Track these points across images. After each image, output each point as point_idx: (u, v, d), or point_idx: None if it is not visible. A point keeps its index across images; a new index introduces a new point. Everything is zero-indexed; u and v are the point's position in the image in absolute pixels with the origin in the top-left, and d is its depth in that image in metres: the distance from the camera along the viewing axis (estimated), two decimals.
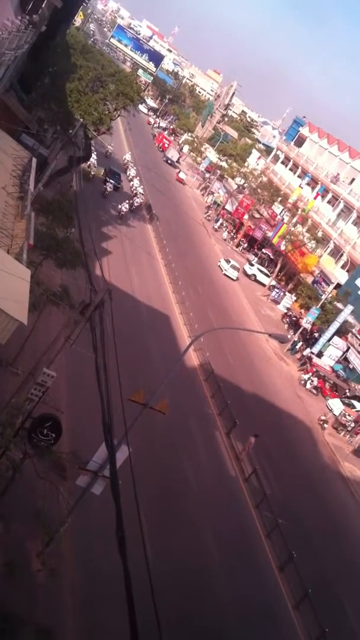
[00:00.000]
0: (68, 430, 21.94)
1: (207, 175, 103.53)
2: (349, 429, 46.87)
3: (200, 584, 22.87)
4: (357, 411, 48.58)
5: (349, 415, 47.72)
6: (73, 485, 18.57)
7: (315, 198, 76.50)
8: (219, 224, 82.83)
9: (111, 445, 15.76)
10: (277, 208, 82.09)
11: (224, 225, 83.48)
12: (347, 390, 52.98)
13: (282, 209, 79.70)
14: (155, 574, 13.56)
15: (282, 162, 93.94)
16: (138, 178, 72.85)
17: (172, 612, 18.67)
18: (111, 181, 61.81)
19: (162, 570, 19.67)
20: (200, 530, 25.62)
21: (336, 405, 49.12)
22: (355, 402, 50.32)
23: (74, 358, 26.53)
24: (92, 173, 61.02)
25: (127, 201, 59.70)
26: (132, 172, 74.26)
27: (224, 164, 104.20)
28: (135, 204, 62.84)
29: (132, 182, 69.81)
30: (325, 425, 45.75)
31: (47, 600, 17.50)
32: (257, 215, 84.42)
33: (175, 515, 25.29)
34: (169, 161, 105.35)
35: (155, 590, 12.25)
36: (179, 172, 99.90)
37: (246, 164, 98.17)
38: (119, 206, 57.09)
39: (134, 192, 66.85)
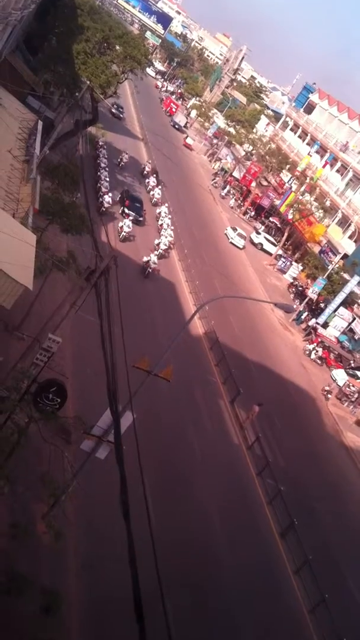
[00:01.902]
0: (73, 395, 22.04)
1: (215, 141, 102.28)
2: (353, 399, 47.00)
3: (202, 547, 23.20)
4: None
5: (352, 386, 47.81)
6: (78, 450, 18.71)
7: (323, 167, 75.54)
8: (226, 191, 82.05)
9: (116, 411, 15.78)
10: (285, 176, 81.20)
11: (231, 192, 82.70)
12: (351, 361, 52.99)
13: (290, 177, 78.82)
14: (158, 537, 13.71)
15: (291, 129, 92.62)
16: (160, 187, 60.02)
17: (174, 575, 18.95)
18: (131, 212, 47.85)
19: (164, 534, 19.92)
20: (203, 496, 25.88)
21: (340, 375, 49.19)
22: (359, 373, 50.38)
23: (79, 324, 26.54)
24: (104, 207, 45.45)
25: (153, 252, 44.15)
26: (151, 179, 61.37)
27: (232, 129, 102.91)
28: (162, 248, 47.17)
29: (152, 193, 58.54)
30: (329, 395, 45.88)
31: (51, 561, 17.76)
32: (264, 183, 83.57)
33: (179, 481, 25.52)
34: (177, 126, 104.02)
35: (157, 553, 12.40)
36: (187, 137, 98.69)
37: (254, 130, 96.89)
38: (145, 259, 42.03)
39: (160, 225, 51.46)
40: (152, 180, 60.91)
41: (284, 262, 68.00)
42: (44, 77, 44.40)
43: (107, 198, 46.11)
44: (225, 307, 45.36)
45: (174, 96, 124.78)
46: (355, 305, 56.08)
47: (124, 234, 43.94)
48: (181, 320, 38.47)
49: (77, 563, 18.57)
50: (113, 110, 72.03)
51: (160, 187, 60.41)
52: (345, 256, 62.11)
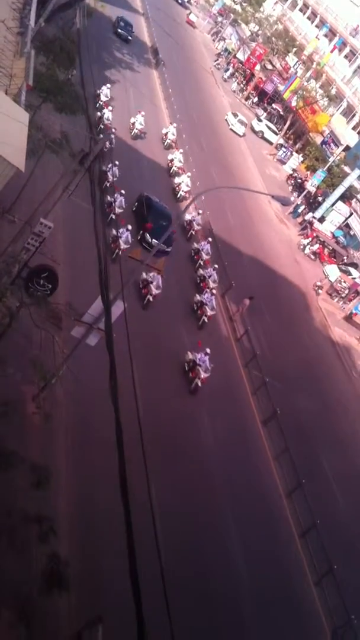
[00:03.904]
0: (64, 282, 22.06)
1: (220, 19, 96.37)
2: (343, 295, 47.30)
3: (186, 427, 24.24)
4: (353, 278, 48.78)
5: (344, 282, 47.97)
6: (68, 336, 18.94)
7: (331, 51, 71.71)
8: (228, 73, 78.34)
9: (107, 299, 15.83)
10: (291, 60, 77.24)
11: (234, 75, 79.01)
12: (345, 257, 52.88)
13: (296, 62, 75.00)
14: (145, 421, 14.18)
15: (300, 10, 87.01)
16: (189, 176, 41.63)
17: (158, 464, 19.83)
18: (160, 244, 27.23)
19: (150, 416, 20.65)
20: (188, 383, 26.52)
21: (333, 271, 49.23)
22: (352, 269, 50.41)
23: (72, 210, 26.09)
24: (114, 214, 31.60)
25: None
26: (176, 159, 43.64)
27: (238, 7, 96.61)
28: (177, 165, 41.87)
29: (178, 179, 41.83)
30: (320, 291, 46.12)
31: (41, 440, 18.42)
32: (269, 67, 79.64)
33: (165, 367, 26.06)
34: (180, 1, 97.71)
35: (144, 436, 12.85)
36: (190, 13, 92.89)
37: (262, 9, 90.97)
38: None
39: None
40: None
41: (284, 152, 66.13)
42: None
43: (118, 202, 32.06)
44: (221, 197, 44.48)
45: None
46: (354, 200, 55.16)
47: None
48: (176, 209, 37.89)
49: (66, 443, 19.27)
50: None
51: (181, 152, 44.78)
52: (347, 148, 60.35)
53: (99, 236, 16.87)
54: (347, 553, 24.96)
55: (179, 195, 40.07)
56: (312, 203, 57.25)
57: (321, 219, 54.39)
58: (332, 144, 61.96)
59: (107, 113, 39.62)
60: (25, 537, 12.39)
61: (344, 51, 71.00)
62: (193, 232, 36.68)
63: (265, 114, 72.55)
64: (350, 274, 49.53)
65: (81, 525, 17.54)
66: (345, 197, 55.26)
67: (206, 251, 34.91)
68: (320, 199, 56.97)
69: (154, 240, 31.15)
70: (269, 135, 68.74)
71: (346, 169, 56.51)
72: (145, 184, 37.15)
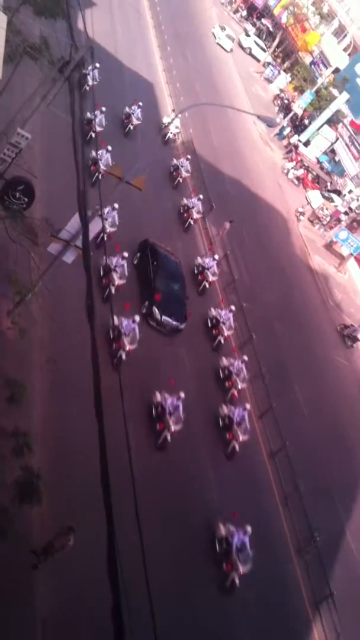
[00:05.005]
0: (41, 197, 21.45)
1: None
2: (324, 222, 47.02)
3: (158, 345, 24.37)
4: (335, 206, 48.38)
5: (326, 209, 47.58)
6: (45, 252, 18.54)
7: None
8: None
9: (84, 216, 15.41)
10: None
11: None
12: (328, 183, 52.26)
13: None
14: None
15: None
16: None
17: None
18: (168, 319, 24.96)
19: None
20: None
21: (315, 197, 48.69)
22: (334, 196, 49.91)
23: (50, 120, 25.11)
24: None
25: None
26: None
27: None
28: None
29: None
30: (302, 217, 45.74)
31: (16, 356, 18.36)
32: None
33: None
34: None
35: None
36: None
37: None
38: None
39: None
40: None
41: (272, 70, 64.01)
42: None
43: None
44: (205, 115, 43.13)
45: None
46: (340, 124, 53.95)
47: None
48: (158, 124, 36.77)
49: (41, 358, 19.23)
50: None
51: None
52: (336, 70, 58.62)
53: (77, 149, 16.22)
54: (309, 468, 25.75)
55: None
56: (298, 126, 55.99)
57: (306, 143, 53.37)
58: (321, 65, 60.13)
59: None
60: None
61: None
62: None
63: (254, 30, 69.70)
64: (332, 201, 49.09)
65: (55, 439, 17.76)
66: (332, 122, 54.11)
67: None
68: (306, 121, 55.72)
69: (164, 317, 24.68)
70: (256, 52, 66.32)
71: (334, 92, 55.01)
72: (128, 95, 35.74)
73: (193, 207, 31.73)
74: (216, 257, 29.40)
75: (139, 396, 21.17)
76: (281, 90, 61.63)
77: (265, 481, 23.57)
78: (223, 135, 45.38)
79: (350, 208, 47.47)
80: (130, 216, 27.19)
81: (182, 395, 21.01)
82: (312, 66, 60.85)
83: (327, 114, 52.80)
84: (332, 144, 53.65)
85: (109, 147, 28.77)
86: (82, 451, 15.77)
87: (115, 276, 23.46)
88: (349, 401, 33.31)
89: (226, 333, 26.68)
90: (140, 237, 27.48)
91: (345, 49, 61.51)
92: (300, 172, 50.71)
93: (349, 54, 60.50)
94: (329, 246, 45.33)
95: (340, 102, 52.69)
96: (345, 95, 52.57)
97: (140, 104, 34.03)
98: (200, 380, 24.86)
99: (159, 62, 45.37)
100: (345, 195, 49.38)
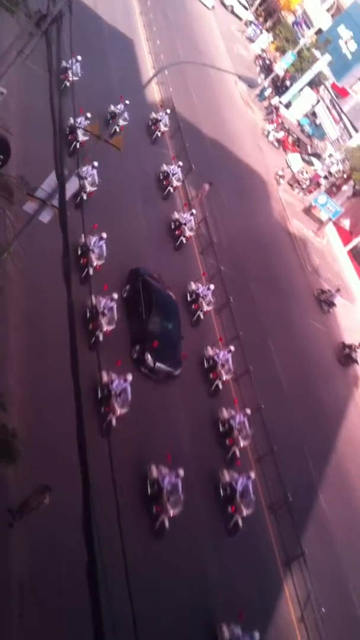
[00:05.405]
0: (17, 154, 21.07)
1: None
2: (304, 187, 46.82)
3: None
4: (314, 170, 48.16)
5: (306, 172, 47.34)
6: (20, 211, 18.21)
7: None
8: None
9: (61, 175, 15.11)
10: None
11: None
12: (308, 147, 51.90)
13: None
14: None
15: None
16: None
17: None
18: (162, 366, 22.45)
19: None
20: (147, 259, 26.27)
21: (295, 161, 48.36)
22: (314, 160, 49.64)
23: (27, 76, 24.49)
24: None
25: None
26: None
27: None
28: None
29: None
30: (282, 180, 45.45)
31: None
32: None
33: (123, 245, 25.52)
34: None
35: None
36: None
37: None
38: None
39: None
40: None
41: (254, 30, 62.82)
42: None
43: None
44: (185, 73, 42.39)
45: None
46: (322, 87, 53.36)
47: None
48: (137, 83, 36.06)
49: (17, 319, 19.09)
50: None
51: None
52: (319, 31, 57.66)
53: (54, 106, 15.83)
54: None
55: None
56: (280, 87, 55.27)
57: (287, 105, 52.78)
58: (303, 26, 59.20)
59: None
60: None
61: None
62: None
63: None
64: (312, 165, 48.84)
65: (31, 399, 17.74)
66: (314, 84, 53.48)
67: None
68: (288, 83, 55.00)
69: (157, 363, 22.07)
70: (238, 10, 64.99)
71: (316, 53, 54.23)
72: (108, 51, 34.94)
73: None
74: (211, 286, 26.57)
75: (130, 466, 18.45)
76: (263, 50, 60.65)
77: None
78: (203, 95, 44.68)
79: (330, 172, 47.33)
80: (108, 175, 26.79)
81: (182, 473, 18.38)
82: (295, 26, 59.85)
83: (308, 75, 52.13)
84: (313, 106, 53.13)
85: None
86: (59, 413, 15.79)
87: (103, 321, 20.75)
88: (322, 367, 33.55)
89: (224, 377, 24.01)
90: (119, 201, 27.10)
91: (328, 10, 60.45)
92: (281, 134, 50.26)
93: (332, 15, 59.48)
94: (308, 210, 45.25)
95: (322, 63, 52.00)
96: (327, 57, 51.88)
97: (127, 102, 30.50)
98: (197, 435, 22.27)
99: (138, 17, 44.28)
100: (325, 159, 49.18)
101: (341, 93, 51.71)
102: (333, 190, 46.60)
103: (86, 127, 26.24)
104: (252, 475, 20.71)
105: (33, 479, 15.34)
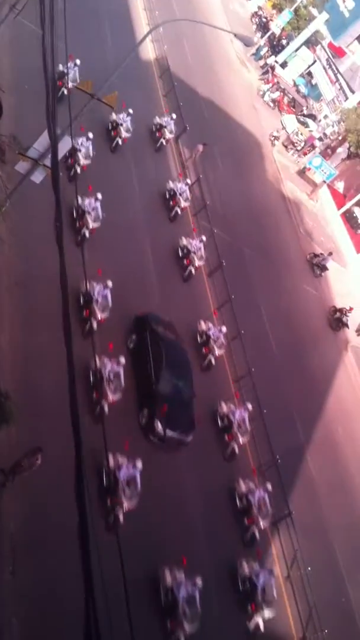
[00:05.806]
0: (8, 112, 20.72)
1: None
2: (299, 148, 46.29)
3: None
4: (310, 131, 47.58)
5: (301, 134, 46.76)
6: (12, 171, 18.03)
7: None
8: None
9: (54, 133, 14.89)
10: None
11: None
12: (304, 108, 51.17)
13: None
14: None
15: None
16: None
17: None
18: (172, 433, 20.16)
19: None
20: (140, 239, 26.05)
21: (290, 122, 47.71)
22: (309, 121, 48.99)
23: (19, 32, 23.97)
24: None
25: None
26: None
27: None
28: None
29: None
30: (276, 142, 44.89)
31: None
32: None
33: (116, 222, 25.29)
34: None
35: None
36: None
37: None
38: None
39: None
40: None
41: None
42: None
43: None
44: (181, 31, 41.38)
45: None
46: (319, 46, 52.38)
47: None
48: (131, 40, 35.25)
49: (8, 280, 19.04)
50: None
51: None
52: None
53: (47, 62, 15.51)
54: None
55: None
56: (276, 46, 54.24)
57: (283, 64, 51.88)
58: None
59: None
60: None
61: None
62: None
63: None
64: (307, 127, 48.22)
65: (24, 360, 17.81)
66: (310, 43, 52.51)
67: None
68: (284, 42, 53.96)
69: (168, 432, 19.82)
70: None
71: (314, 11, 53.11)
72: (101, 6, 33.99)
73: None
74: (224, 328, 24.07)
75: (138, 562, 14.81)
76: (259, 8, 59.18)
77: None
78: (198, 53, 43.80)
79: (325, 134, 46.81)
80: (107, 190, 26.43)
81: (199, 582, 16.19)
82: None
83: (305, 34, 51.14)
84: (310, 66, 52.26)
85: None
86: (52, 370, 15.84)
87: (109, 390, 18.44)
88: (313, 331, 33.66)
89: (240, 440, 21.77)
90: (123, 221, 26.07)
91: None
92: (277, 94, 49.47)
93: None
94: (302, 173, 44.77)
95: (319, 22, 50.99)
96: (324, 16, 50.85)
97: (130, 110, 28.71)
98: (213, 512, 20.29)
99: None
100: (320, 120, 48.57)
101: (338, 53, 50.85)
102: (328, 152, 46.16)
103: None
104: (275, 571, 19.06)
105: (25, 438, 15.52)
